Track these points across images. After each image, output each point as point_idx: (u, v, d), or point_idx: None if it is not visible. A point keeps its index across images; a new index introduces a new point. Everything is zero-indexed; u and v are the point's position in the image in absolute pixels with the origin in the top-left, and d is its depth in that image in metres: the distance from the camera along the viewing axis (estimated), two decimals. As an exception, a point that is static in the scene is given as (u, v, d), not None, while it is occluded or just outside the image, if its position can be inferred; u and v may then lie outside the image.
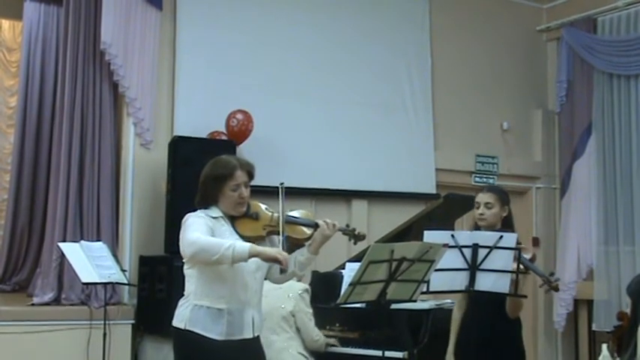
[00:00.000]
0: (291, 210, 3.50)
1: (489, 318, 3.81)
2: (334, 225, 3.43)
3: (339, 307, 4.09)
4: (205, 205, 3.45)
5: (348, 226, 3.59)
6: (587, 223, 7.83)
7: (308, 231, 3.46)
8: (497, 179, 8.15)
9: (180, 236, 3.35)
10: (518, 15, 8.58)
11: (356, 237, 3.58)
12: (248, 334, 3.39)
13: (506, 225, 4.09)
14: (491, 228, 4.01)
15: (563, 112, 8.24)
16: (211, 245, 3.16)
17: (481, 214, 4.05)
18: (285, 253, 3.17)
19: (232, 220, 3.46)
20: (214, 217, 3.41)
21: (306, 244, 3.49)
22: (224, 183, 3.38)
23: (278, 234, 3.40)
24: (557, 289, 3.88)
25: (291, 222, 3.45)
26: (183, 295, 3.44)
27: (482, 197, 4.09)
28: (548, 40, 8.73)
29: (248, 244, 3.17)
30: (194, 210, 3.47)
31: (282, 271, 3.18)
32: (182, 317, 3.35)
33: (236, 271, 3.30)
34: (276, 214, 3.46)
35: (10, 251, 7.28)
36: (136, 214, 6.35)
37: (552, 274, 3.85)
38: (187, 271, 3.41)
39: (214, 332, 3.30)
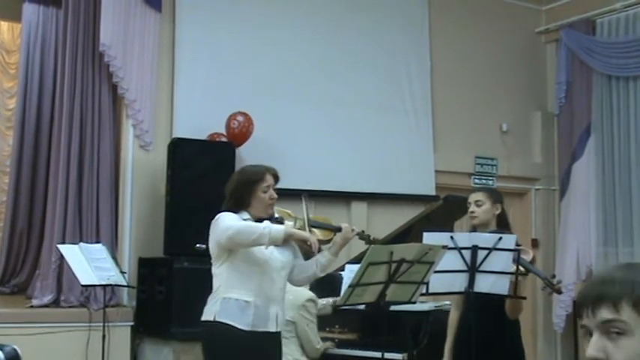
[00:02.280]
0: (312, 215, 3.81)
1: (488, 318, 3.81)
2: (353, 229, 3.71)
3: (338, 308, 4.09)
4: (235, 210, 3.66)
5: (363, 232, 3.85)
6: (586, 225, 7.83)
7: (327, 234, 3.74)
8: (496, 181, 8.15)
9: (214, 231, 3.60)
10: (517, 17, 8.59)
11: (371, 242, 3.83)
12: (272, 328, 3.61)
13: (501, 224, 4.10)
14: (485, 226, 4.03)
15: (562, 114, 8.25)
16: (249, 226, 3.48)
17: (472, 212, 4.09)
18: (314, 238, 3.51)
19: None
20: (244, 219, 3.64)
21: (326, 247, 3.74)
22: (257, 186, 3.66)
23: (304, 249, 3.69)
24: (560, 292, 3.88)
25: (314, 226, 3.73)
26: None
27: (472, 197, 4.16)
28: (547, 41, 8.74)
29: (283, 226, 3.49)
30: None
31: (308, 257, 3.50)
32: (211, 311, 3.58)
33: (264, 268, 3.57)
34: (298, 220, 3.77)
35: (9, 253, 7.28)
36: (136, 216, 6.35)
37: (554, 276, 3.86)
38: (216, 270, 3.64)
39: (242, 322, 3.52)
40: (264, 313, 3.57)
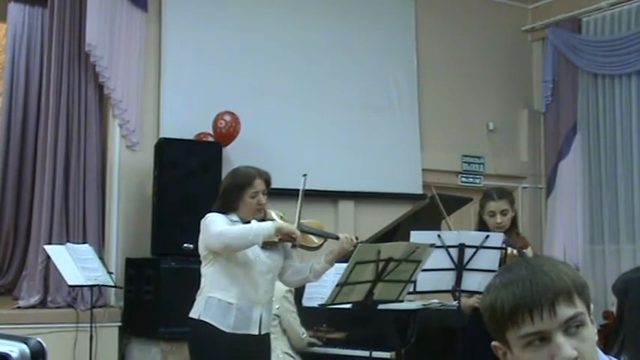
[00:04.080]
0: (304, 220, 3.76)
1: None
2: (352, 240, 3.66)
3: (326, 307, 4.09)
4: (225, 212, 3.66)
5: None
6: (572, 222, 7.87)
7: (317, 241, 3.72)
8: (483, 179, 8.18)
9: (203, 233, 3.61)
10: (504, 15, 8.61)
11: None
12: (254, 331, 3.61)
13: (514, 224, 4.16)
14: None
15: (548, 112, 8.29)
16: (241, 231, 3.47)
17: (499, 223, 4.07)
18: (299, 232, 3.53)
19: None
20: (233, 221, 3.63)
21: (318, 252, 3.74)
22: (244, 191, 3.64)
23: (289, 242, 3.63)
24: None
25: (305, 231, 3.68)
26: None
27: (497, 206, 4.10)
28: (533, 40, 8.77)
29: (271, 222, 3.49)
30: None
31: (294, 246, 3.55)
32: (197, 309, 3.62)
33: (249, 271, 3.57)
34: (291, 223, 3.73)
35: (-5, 254, 7.24)
36: (122, 216, 6.33)
37: None
38: (204, 269, 3.66)
39: (224, 324, 3.54)
40: (247, 316, 3.59)
